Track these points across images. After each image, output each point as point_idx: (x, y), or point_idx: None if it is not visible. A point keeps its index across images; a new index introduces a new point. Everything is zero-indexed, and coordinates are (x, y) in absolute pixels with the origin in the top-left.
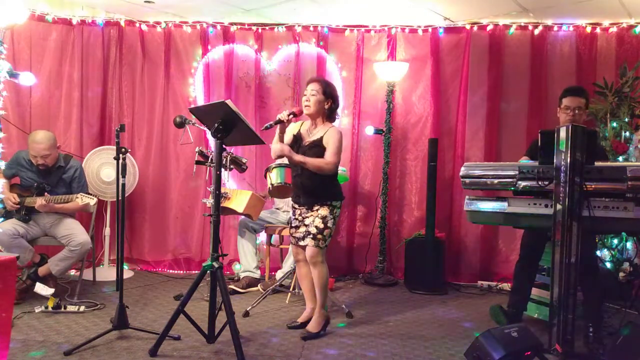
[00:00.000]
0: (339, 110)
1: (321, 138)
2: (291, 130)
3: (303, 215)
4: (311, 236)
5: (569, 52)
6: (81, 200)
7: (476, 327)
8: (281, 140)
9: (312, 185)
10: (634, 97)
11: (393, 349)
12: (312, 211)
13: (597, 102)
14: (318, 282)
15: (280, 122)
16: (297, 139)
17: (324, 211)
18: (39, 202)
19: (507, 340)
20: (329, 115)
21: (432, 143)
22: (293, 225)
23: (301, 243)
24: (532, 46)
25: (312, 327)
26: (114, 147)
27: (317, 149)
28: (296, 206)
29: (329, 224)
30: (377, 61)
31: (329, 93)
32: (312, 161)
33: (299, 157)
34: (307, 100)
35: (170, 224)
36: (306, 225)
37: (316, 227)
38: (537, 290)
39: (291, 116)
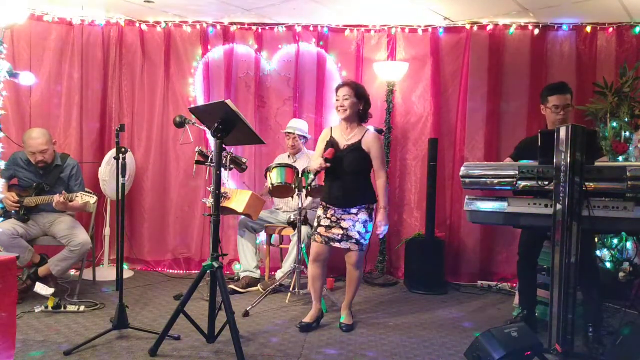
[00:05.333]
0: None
1: (360, 141)
2: (324, 138)
3: (337, 216)
4: (354, 241)
5: (569, 52)
6: (81, 199)
7: (476, 327)
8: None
9: (353, 189)
10: (634, 97)
11: (393, 349)
12: (350, 214)
13: (597, 102)
14: (357, 283)
15: (318, 172)
16: (333, 145)
17: (363, 215)
18: (56, 199)
19: (507, 340)
20: (363, 116)
21: (432, 143)
22: (323, 224)
23: (335, 245)
24: (532, 46)
25: (348, 320)
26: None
27: (357, 152)
28: (330, 206)
29: (369, 228)
30: (377, 61)
31: (361, 94)
32: (384, 201)
33: (384, 212)
34: (342, 106)
35: (170, 223)
36: (344, 229)
37: (358, 232)
38: (538, 290)
39: (328, 164)
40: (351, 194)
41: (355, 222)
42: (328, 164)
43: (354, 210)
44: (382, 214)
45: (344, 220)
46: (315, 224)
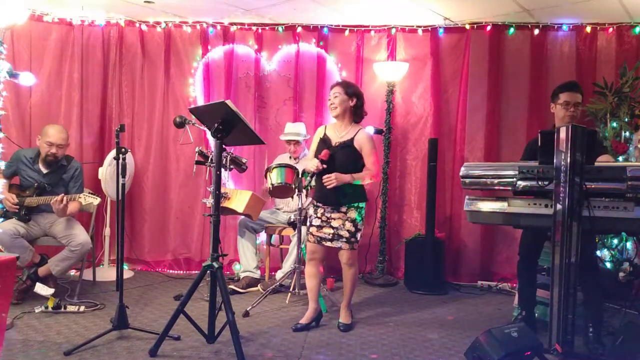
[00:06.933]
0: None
1: (352, 139)
2: (318, 135)
3: (327, 215)
4: (344, 240)
5: (569, 52)
6: (84, 200)
7: (476, 327)
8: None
9: (341, 187)
10: (634, 97)
11: (393, 349)
12: (339, 212)
13: (596, 102)
14: (352, 281)
15: (315, 174)
16: (325, 141)
17: (352, 214)
18: (56, 198)
19: (507, 340)
20: (355, 113)
21: (432, 143)
22: (314, 224)
23: (327, 244)
24: (532, 46)
25: (346, 320)
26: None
27: (349, 149)
28: (319, 205)
29: (359, 226)
30: (377, 61)
31: (351, 92)
32: (359, 176)
33: (347, 178)
34: (332, 104)
35: (170, 224)
36: (334, 228)
37: (348, 230)
38: (537, 290)
39: (324, 165)
40: (342, 192)
41: (345, 221)
42: (324, 165)
43: (343, 209)
44: (342, 175)
45: (334, 219)
46: (308, 223)
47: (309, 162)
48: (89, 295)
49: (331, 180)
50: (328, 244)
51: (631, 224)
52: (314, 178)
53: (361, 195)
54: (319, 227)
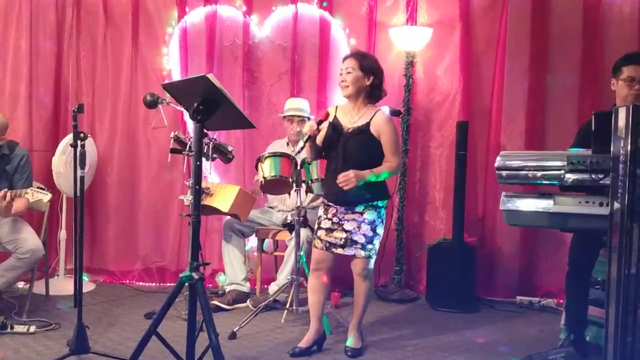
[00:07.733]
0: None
1: (368, 124)
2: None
3: (340, 216)
4: (359, 246)
5: (631, 14)
6: (32, 196)
7: (513, 352)
8: (315, 152)
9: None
10: None
11: None
12: (354, 213)
13: None
14: (365, 296)
15: (309, 138)
16: (335, 127)
17: (369, 215)
18: None
19: None
20: (371, 93)
21: (461, 127)
22: (323, 226)
23: (338, 251)
24: (584, 6)
25: (355, 343)
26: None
27: (364, 135)
28: (330, 204)
29: (378, 230)
30: (393, 26)
31: (367, 67)
32: (378, 171)
33: (367, 174)
34: (343, 81)
35: (140, 225)
36: (347, 232)
37: (364, 235)
38: (590, 307)
39: (321, 125)
40: (355, 188)
41: (361, 223)
42: (320, 127)
43: (358, 209)
44: (360, 172)
45: (347, 221)
46: (316, 225)
47: (306, 126)
48: (40, 313)
49: (349, 179)
50: (339, 250)
51: None
52: (307, 143)
53: (381, 192)
54: (329, 231)
